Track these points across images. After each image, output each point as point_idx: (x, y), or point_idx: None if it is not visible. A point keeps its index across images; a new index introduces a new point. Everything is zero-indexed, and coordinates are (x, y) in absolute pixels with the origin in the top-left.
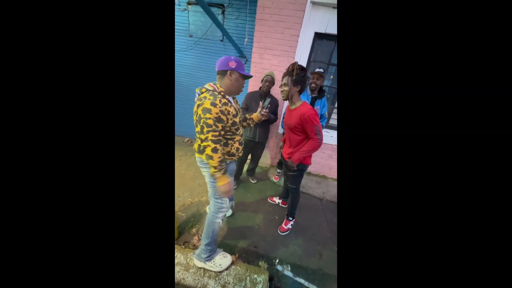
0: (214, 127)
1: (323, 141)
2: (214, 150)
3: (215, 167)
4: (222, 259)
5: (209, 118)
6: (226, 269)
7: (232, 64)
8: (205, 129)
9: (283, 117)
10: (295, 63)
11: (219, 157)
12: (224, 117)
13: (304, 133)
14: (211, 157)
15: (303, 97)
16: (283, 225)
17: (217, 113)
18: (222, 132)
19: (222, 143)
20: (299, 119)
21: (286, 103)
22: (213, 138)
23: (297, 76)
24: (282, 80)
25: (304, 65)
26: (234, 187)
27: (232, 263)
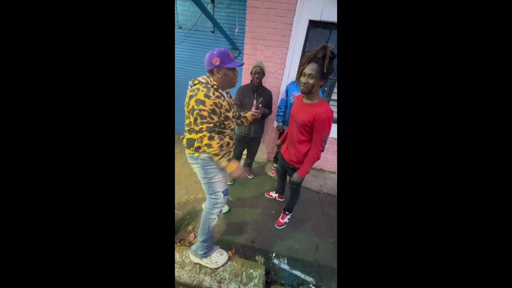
0: (208, 119)
1: None
2: (211, 137)
3: (216, 154)
4: (219, 257)
5: (204, 110)
6: (222, 266)
7: (216, 61)
8: (199, 121)
9: (279, 109)
10: (327, 47)
11: (218, 143)
12: (218, 110)
13: (310, 134)
14: (209, 145)
15: (293, 85)
16: (280, 219)
17: (211, 105)
18: (218, 124)
19: (216, 133)
20: (313, 117)
21: (281, 93)
22: (208, 127)
23: (329, 66)
24: (304, 68)
25: (298, 56)
26: (231, 183)
27: (229, 260)
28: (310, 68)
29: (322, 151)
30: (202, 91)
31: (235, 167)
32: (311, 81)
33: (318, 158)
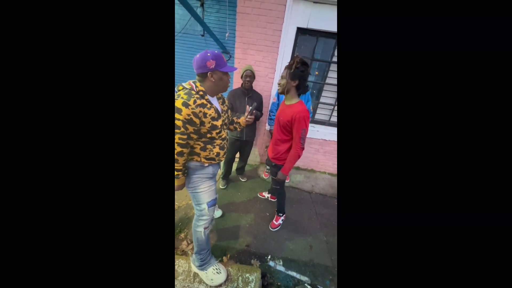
0: (182, 129)
1: (311, 136)
2: (180, 153)
3: (178, 171)
4: (215, 275)
5: (178, 119)
6: (219, 286)
7: (211, 64)
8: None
9: (271, 112)
10: (296, 57)
11: (184, 160)
12: (197, 120)
13: (291, 134)
14: (176, 161)
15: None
16: (274, 221)
17: (188, 115)
18: (194, 136)
19: (190, 146)
20: (291, 117)
21: (272, 96)
22: (180, 141)
23: (296, 70)
24: (282, 73)
25: (288, 61)
26: (224, 187)
27: (226, 280)
28: (283, 72)
29: (303, 149)
30: (182, 98)
31: (181, 183)
32: (282, 81)
33: (299, 156)
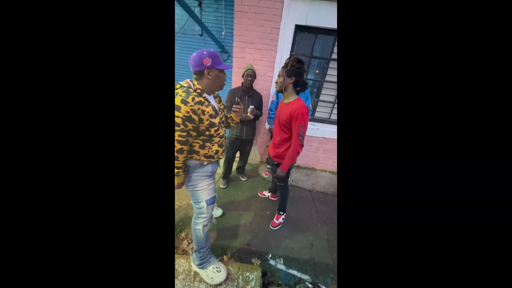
0: (182, 126)
1: (311, 134)
2: (180, 151)
3: (178, 168)
4: (215, 273)
5: (177, 117)
6: (219, 284)
7: (207, 62)
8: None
9: (270, 111)
10: (291, 56)
11: (184, 158)
12: (196, 117)
13: (291, 131)
14: (176, 158)
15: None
16: (274, 220)
17: (187, 112)
18: (194, 133)
19: (189, 144)
20: (290, 114)
21: (271, 95)
22: (180, 138)
23: (292, 67)
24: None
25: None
26: (224, 187)
27: (227, 279)
28: (280, 71)
29: (302, 146)
30: (180, 96)
31: (181, 181)
32: (279, 79)
33: (298, 152)
